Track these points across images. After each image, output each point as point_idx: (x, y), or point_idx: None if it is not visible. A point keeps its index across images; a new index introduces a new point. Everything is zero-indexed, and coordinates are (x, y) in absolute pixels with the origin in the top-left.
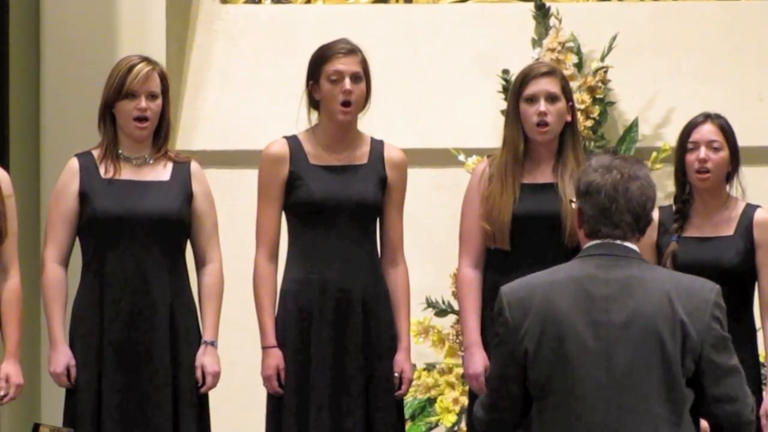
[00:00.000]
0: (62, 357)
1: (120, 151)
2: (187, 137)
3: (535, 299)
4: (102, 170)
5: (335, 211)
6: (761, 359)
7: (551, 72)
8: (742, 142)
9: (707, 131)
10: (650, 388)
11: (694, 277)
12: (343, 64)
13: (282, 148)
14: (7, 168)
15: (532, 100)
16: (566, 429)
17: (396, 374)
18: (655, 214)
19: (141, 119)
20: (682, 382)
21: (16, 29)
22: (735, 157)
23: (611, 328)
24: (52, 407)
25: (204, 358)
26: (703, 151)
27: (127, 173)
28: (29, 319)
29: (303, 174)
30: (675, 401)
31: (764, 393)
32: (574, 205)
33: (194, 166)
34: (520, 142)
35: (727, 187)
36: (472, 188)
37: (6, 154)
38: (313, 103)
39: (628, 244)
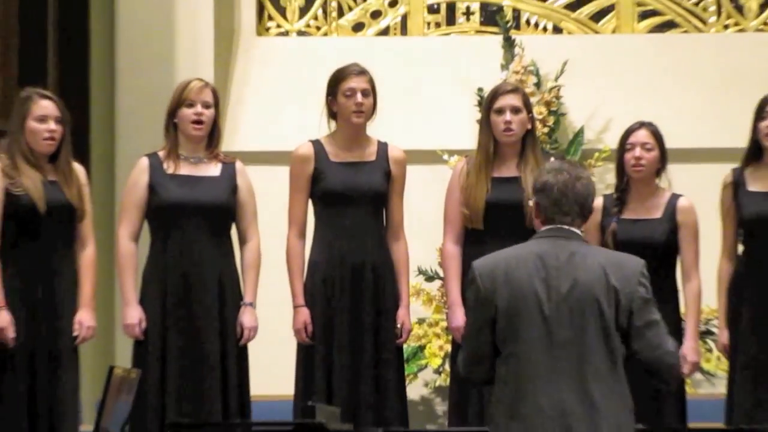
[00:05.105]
0: (135, 312)
1: (180, 152)
2: (230, 140)
3: (500, 269)
4: (166, 167)
5: (351, 199)
6: (681, 315)
7: (515, 90)
8: (668, 144)
9: (642, 135)
10: (589, 339)
11: (624, 253)
12: (355, 83)
13: (308, 149)
14: (88, 163)
15: (500, 111)
16: (517, 371)
17: (398, 325)
18: (599, 201)
19: (198, 122)
20: (616, 336)
21: (95, 57)
22: (664, 157)
23: (559, 293)
24: (124, 354)
25: (244, 317)
26: (638, 151)
27: (185, 170)
28: (104, 284)
29: (325, 169)
30: (611, 351)
31: (684, 340)
32: (531, 202)
33: (239, 164)
34: (490, 145)
35: (657, 180)
36: (453, 181)
37: (88, 152)
38: (332, 114)
39: (573, 228)
